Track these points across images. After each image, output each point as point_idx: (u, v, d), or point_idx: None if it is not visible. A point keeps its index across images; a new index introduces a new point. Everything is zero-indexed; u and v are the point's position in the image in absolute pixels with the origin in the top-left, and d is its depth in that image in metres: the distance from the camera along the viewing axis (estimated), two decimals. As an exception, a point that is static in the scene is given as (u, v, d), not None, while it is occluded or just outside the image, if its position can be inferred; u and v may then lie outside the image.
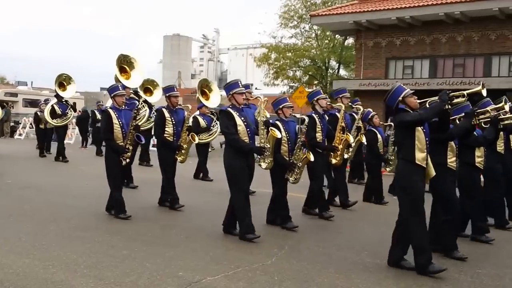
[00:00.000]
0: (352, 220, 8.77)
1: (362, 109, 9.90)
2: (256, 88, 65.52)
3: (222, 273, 5.39)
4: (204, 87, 10.49)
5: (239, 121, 6.96)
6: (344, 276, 5.47)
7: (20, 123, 27.87)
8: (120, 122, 8.00)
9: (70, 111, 16.15)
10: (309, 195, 8.84)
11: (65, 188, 10.91)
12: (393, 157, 10.43)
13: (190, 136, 9.20)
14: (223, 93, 8.26)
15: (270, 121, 7.72)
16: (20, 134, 26.61)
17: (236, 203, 6.98)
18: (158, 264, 5.63)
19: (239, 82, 7.30)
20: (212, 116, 13.66)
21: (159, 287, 4.94)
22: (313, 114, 8.44)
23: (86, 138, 22.78)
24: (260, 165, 7.56)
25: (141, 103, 11.05)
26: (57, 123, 15.98)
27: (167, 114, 8.91)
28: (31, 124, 27.71)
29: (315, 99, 8.65)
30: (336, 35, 29.67)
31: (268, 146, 7.33)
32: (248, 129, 7.00)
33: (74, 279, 5.05)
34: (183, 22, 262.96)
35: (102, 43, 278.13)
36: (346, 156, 9.38)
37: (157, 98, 12.03)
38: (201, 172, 13.22)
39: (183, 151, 9.05)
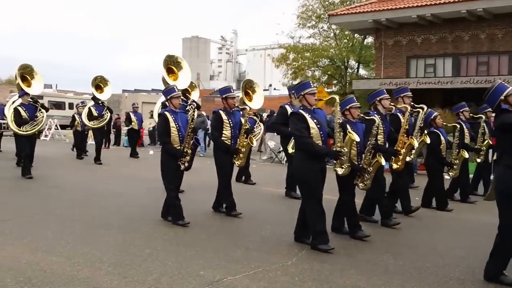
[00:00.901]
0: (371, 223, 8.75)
1: (425, 108, 9.02)
2: (274, 89, 65.46)
3: (242, 273, 5.44)
4: (248, 88, 10.54)
5: (312, 123, 6.49)
6: (365, 278, 5.47)
7: (46, 125, 28.20)
8: (177, 125, 7.67)
9: (107, 112, 16.12)
10: (367, 202, 8.44)
11: (90, 187, 11.10)
12: (457, 161, 9.97)
13: (248, 139, 8.77)
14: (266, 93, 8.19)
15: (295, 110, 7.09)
16: (46, 136, 26.92)
17: (308, 211, 6.56)
18: (180, 263, 5.71)
19: (310, 82, 6.88)
20: (255, 117, 13.67)
21: (180, 286, 5.00)
22: (375, 115, 7.80)
23: (109, 139, 22.98)
24: (335, 170, 6.94)
25: (190, 105, 11.01)
26: (93, 125, 15.96)
27: (224, 117, 8.48)
28: (56, 125, 28.13)
29: (378, 99, 8.15)
30: (355, 34, 29.56)
31: (346, 150, 6.75)
32: (321, 132, 6.55)
33: (99, 277, 5.15)
34: (201, 24, 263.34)
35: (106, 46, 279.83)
36: (408, 159, 8.73)
37: (195, 99, 12.12)
38: (243, 175, 12.98)
39: (241, 154, 8.65)
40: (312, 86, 6.76)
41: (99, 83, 16.02)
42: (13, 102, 13.84)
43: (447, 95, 20.57)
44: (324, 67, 31.45)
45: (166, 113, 7.71)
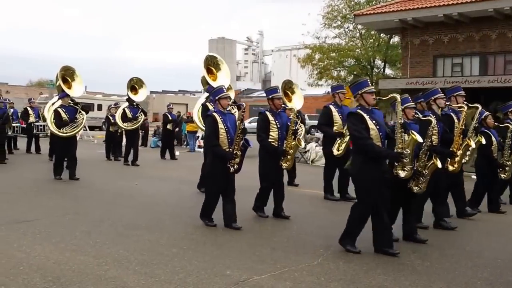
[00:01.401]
0: (399, 220, 8.65)
1: (480, 108, 8.61)
2: (301, 89, 65.43)
3: (268, 273, 5.45)
4: (287, 89, 10.34)
5: (371, 124, 6.19)
6: (392, 278, 5.44)
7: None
8: (226, 126, 7.43)
9: (141, 114, 15.97)
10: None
11: (117, 188, 11.25)
12: (509, 162, 9.61)
13: (296, 140, 8.51)
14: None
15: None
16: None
17: (355, 213, 6.36)
18: (206, 262, 5.74)
19: (368, 80, 6.53)
20: (296, 118, 13.57)
21: (207, 285, 5.03)
22: (430, 115, 7.47)
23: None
24: (397, 173, 6.57)
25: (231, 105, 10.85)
26: (127, 126, 15.86)
27: (271, 118, 8.24)
28: (84, 126, 28.43)
29: (433, 98, 7.91)
30: (381, 34, 29.37)
31: (408, 151, 6.40)
32: (380, 133, 6.22)
33: (127, 276, 5.21)
34: (227, 25, 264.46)
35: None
36: (464, 160, 8.33)
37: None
38: (292, 177, 12.66)
39: (288, 156, 8.36)
40: (370, 84, 6.44)
41: (134, 85, 15.89)
42: (53, 104, 13.90)
43: (474, 94, 20.29)
44: (350, 67, 31.33)
45: (215, 114, 7.51)
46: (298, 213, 8.80)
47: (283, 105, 8.86)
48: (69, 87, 12.47)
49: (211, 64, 10.68)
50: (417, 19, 21.73)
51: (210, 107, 10.00)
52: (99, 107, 37.29)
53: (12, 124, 17.26)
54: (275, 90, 8.50)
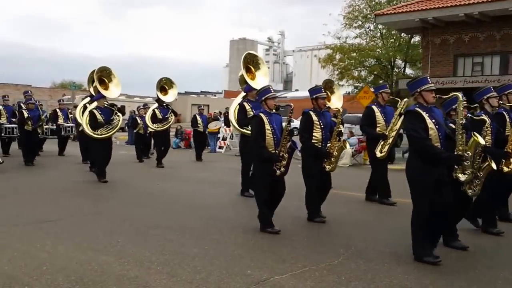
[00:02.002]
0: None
1: None
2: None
3: (289, 272, 5.46)
4: (327, 89, 9.89)
5: (430, 123, 5.84)
6: (413, 277, 5.42)
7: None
8: (272, 128, 7.20)
9: (171, 115, 15.71)
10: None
11: (138, 187, 11.35)
12: None
13: (342, 142, 8.21)
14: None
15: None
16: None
17: (416, 222, 5.97)
18: (227, 262, 5.76)
19: (428, 77, 6.20)
20: (335, 119, 13.52)
21: (228, 285, 5.05)
22: (482, 114, 7.25)
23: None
24: (457, 177, 6.13)
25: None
26: (157, 127, 15.62)
27: (314, 118, 7.96)
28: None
29: (485, 97, 7.53)
30: (402, 34, 29.21)
31: (469, 154, 6.03)
32: (439, 133, 5.88)
33: (148, 276, 5.26)
34: (247, 26, 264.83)
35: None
36: None
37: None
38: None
39: (332, 158, 8.04)
40: (430, 82, 6.09)
41: (164, 85, 15.63)
42: (85, 105, 13.83)
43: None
44: (371, 67, 31.20)
45: (261, 115, 7.24)
46: (394, 224, 8.73)
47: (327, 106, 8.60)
48: (106, 88, 12.25)
49: (250, 63, 10.35)
50: (438, 18, 21.62)
51: (247, 107, 9.96)
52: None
53: (45, 126, 17.10)
54: (320, 90, 8.19)
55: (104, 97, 12.14)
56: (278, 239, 6.89)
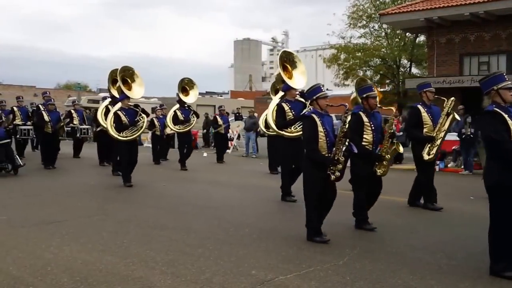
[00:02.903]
0: (426, 220, 8.58)
1: None
2: (327, 89, 65.47)
3: (294, 273, 5.44)
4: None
5: None
6: (418, 277, 5.39)
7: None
8: (325, 129, 6.69)
9: (193, 117, 15.36)
10: None
11: (144, 188, 11.38)
12: None
13: (395, 144, 7.76)
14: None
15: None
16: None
17: (498, 233, 5.46)
18: (232, 262, 5.76)
19: (504, 74, 5.66)
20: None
21: (233, 285, 5.04)
22: None
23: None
24: None
25: (309, 106, 9.66)
26: (179, 129, 15.25)
27: (365, 119, 7.46)
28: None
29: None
30: (407, 33, 29.15)
31: None
32: None
33: (153, 276, 5.26)
34: (251, 27, 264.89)
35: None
36: None
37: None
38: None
39: (384, 162, 7.56)
40: (507, 80, 5.55)
41: (185, 86, 15.31)
42: (106, 106, 13.51)
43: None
44: (376, 67, 31.13)
45: (314, 116, 6.73)
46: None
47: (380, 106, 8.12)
48: (129, 89, 11.89)
49: (286, 61, 9.94)
50: (443, 17, 21.59)
51: (286, 107, 9.57)
52: None
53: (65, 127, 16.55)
54: (370, 88, 7.66)
55: (128, 97, 11.79)
56: (283, 240, 6.87)
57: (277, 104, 9.92)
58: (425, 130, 9.10)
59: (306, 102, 9.16)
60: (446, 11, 21.27)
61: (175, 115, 15.26)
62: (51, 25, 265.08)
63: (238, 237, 6.96)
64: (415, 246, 6.71)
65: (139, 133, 11.79)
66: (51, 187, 11.46)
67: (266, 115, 13.86)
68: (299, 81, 9.80)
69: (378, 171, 7.56)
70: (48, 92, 17.92)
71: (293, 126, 9.55)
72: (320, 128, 6.65)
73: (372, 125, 7.48)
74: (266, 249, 6.38)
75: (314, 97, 6.88)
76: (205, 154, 20.00)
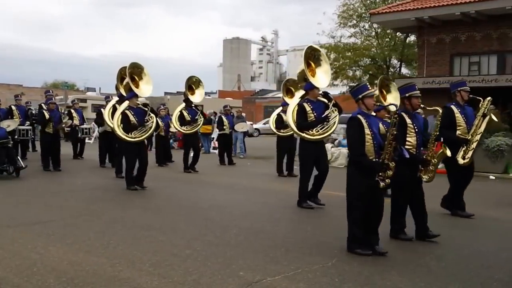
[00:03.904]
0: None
1: None
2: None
3: (282, 274, 5.41)
4: (383, 87, 9.40)
5: None
6: (407, 279, 5.37)
7: (91, 128, 28.61)
8: (372, 132, 6.16)
9: (200, 117, 14.53)
10: None
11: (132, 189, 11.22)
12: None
13: (443, 147, 7.22)
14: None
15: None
16: (89, 139, 27.40)
17: None
18: (219, 263, 5.71)
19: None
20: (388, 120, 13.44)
21: (220, 287, 5.01)
22: None
23: (151, 141, 22.57)
24: None
25: (331, 108, 9.07)
26: (186, 130, 14.44)
27: (408, 120, 6.93)
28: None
29: None
30: (397, 33, 29.20)
31: None
32: None
33: (140, 277, 5.20)
34: (241, 26, 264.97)
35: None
36: None
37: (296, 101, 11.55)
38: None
39: (431, 167, 7.07)
40: None
41: (192, 84, 14.44)
42: (113, 105, 12.83)
43: (492, 93, 20.07)
44: (366, 67, 31.16)
45: (360, 117, 6.21)
46: (313, 214, 8.76)
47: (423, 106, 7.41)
48: (136, 87, 11.21)
49: (311, 58, 9.32)
50: (433, 17, 21.59)
51: (308, 108, 8.94)
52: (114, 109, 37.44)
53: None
54: (413, 87, 7.18)
55: (136, 96, 11.12)
56: (271, 241, 6.82)
57: (298, 104, 9.29)
58: (458, 132, 8.55)
59: (329, 103, 8.96)
60: (436, 11, 21.27)
61: (181, 115, 14.49)
62: (40, 24, 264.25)
63: (226, 238, 6.91)
64: (404, 247, 6.70)
65: (148, 134, 11.07)
66: (38, 187, 11.36)
67: (277, 114, 13.92)
68: (322, 80, 9.26)
69: (424, 176, 7.09)
70: (51, 91, 17.26)
71: (315, 129, 8.94)
72: (367, 130, 6.12)
73: (416, 127, 6.97)
74: (254, 250, 6.34)
75: (360, 96, 6.31)
76: (192, 154, 19.79)
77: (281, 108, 13.93)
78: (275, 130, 13.94)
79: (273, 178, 13.87)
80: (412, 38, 29.16)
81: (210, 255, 6.04)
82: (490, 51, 21.31)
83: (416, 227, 7.08)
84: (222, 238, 6.90)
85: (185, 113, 14.43)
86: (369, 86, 6.44)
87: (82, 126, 17.51)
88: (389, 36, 31.00)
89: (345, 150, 17.08)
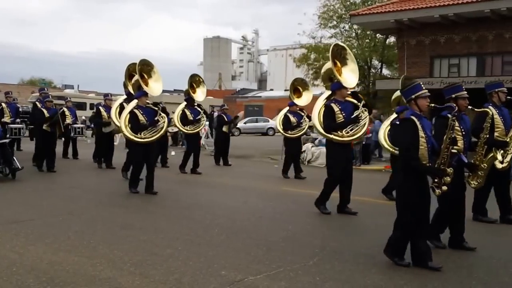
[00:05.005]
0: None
1: None
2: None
3: (264, 273, 5.43)
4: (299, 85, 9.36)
5: None
6: (387, 277, 5.42)
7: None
8: (426, 135, 5.71)
9: (203, 117, 14.00)
10: None
11: (111, 188, 11.19)
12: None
13: (493, 151, 6.99)
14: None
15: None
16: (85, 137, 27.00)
17: None
18: (201, 263, 5.71)
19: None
20: (301, 113, 13.62)
21: (202, 286, 5.01)
22: None
23: (182, 138, 21.79)
24: None
25: (361, 108, 8.72)
26: (188, 130, 13.87)
27: (456, 123, 6.28)
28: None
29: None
30: (377, 34, 29.39)
31: None
32: None
33: (121, 277, 5.18)
34: (222, 24, 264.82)
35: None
36: None
37: (306, 101, 11.33)
38: None
39: (480, 172, 6.77)
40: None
41: (193, 83, 14.05)
42: (120, 104, 12.29)
43: (472, 95, 20.28)
44: (346, 67, 31.21)
45: (414, 118, 5.73)
46: (294, 213, 8.79)
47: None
48: (146, 85, 10.72)
49: (337, 56, 8.96)
50: (413, 19, 21.77)
51: (336, 108, 8.51)
52: (91, 106, 36.87)
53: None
54: (459, 88, 6.78)
55: (146, 94, 10.55)
56: (253, 240, 6.83)
57: (326, 105, 8.77)
58: (496, 134, 8.00)
59: (359, 104, 8.64)
60: (416, 13, 21.46)
61: (183, 114, 13.84)
62: (18, 20, 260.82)
63: (207, 238, 6.91)
64: (384, 246, 6.74)
65: (159, 134, 10.45)
66: (19, 186, 11.19)
67: (284, 115, 13.68)
68: (350, 79, 8.92)
69: (472, 182, 6.81)
70: (46, 88, 16.88)
71: (344, 130, 8.54)
72: (421, 133, 5.67)
73: (463, 130, 6.63)
74: (236, 249, 6.35)
75: (413, 96, 5.86)
76: (173, 153, 19.72)
77: (287, 108, 13.82)
78: (282, 132, 13.78)
79: (255, 176, 13.89)
80: (392, 39, 29.37)
81: (192, 254, 6.03)
82: (469, 53, 21.57)
83: (451, 235, 6.79)
84: (203, 238, 6.89)
85: (187, 112, 13.85)
86: (422, 86, 5.97)
87: (75, 125, 16.95)
88: (369, 37, 31.20)
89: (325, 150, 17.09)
